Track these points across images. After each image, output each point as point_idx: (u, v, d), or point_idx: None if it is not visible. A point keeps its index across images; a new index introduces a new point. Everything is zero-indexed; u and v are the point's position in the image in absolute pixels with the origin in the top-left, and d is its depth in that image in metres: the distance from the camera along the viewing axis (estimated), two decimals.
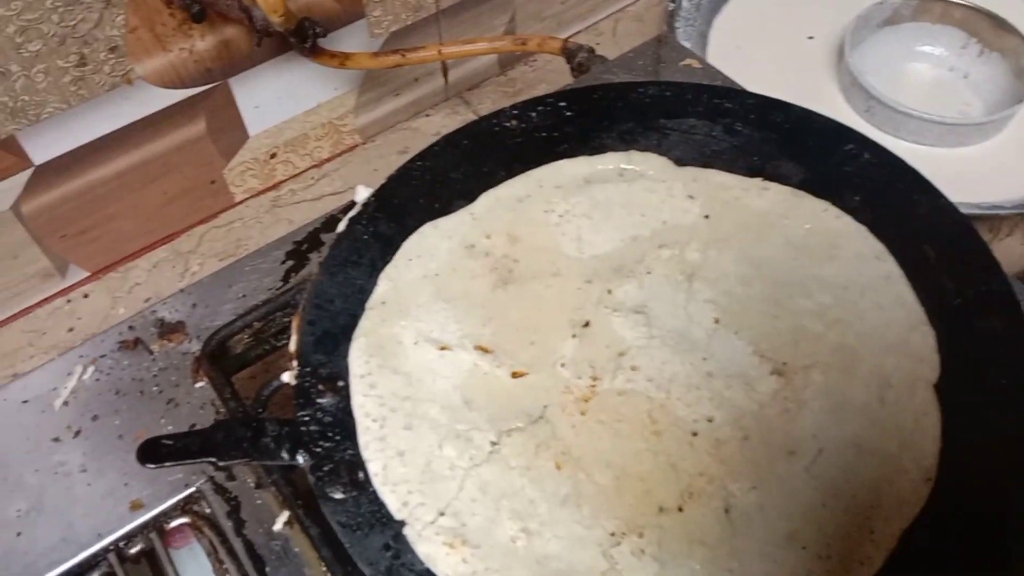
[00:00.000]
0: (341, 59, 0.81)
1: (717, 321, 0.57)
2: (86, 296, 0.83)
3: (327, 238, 0.71)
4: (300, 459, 0.52)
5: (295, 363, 0.56)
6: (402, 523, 0.50)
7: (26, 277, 0.79)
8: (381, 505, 0.51)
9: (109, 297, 0.83)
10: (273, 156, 0.92)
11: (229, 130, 0.86)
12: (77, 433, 0.62)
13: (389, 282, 0.60)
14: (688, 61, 0.78)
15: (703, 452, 0.52)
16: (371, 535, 0.49)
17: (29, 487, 0.59)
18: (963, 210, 0.58)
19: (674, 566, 0.48)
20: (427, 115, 1.04)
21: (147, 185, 0.83)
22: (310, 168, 0.96)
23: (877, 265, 0.58)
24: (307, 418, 0.54)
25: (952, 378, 0.53)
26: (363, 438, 0.53)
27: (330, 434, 0.53)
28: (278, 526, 0.57)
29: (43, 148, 0.72)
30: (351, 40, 0.84)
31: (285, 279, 0.70)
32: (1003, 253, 0.73)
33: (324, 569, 0.55)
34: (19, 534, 0.57)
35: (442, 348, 0.57)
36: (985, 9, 0.91)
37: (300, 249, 0.72)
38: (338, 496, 0.51)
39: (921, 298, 0.56)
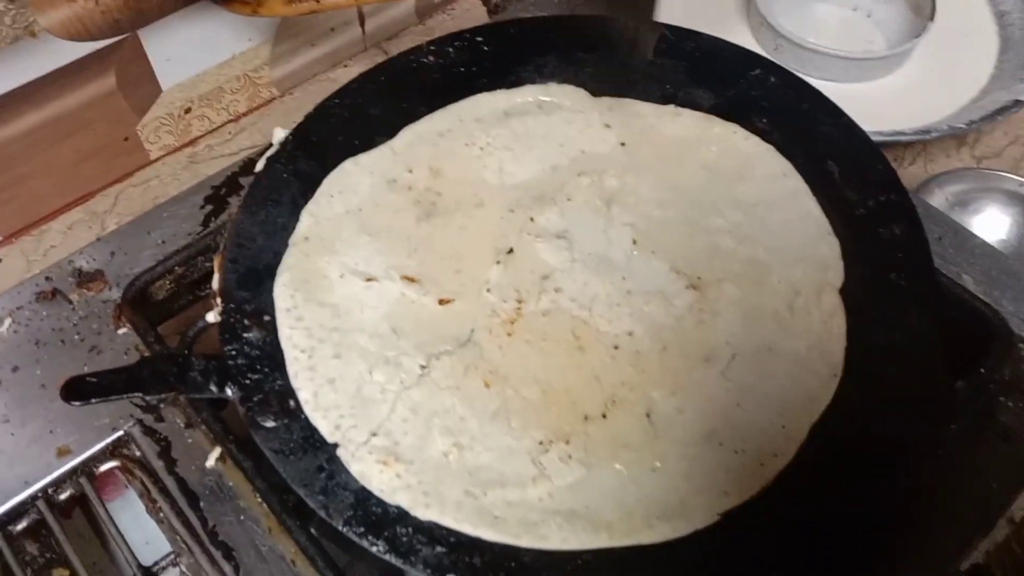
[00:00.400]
0: (254, 6, 0.79)
1: (635, 243, 0.59)
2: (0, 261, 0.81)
3: (246, 181, 0.71)
4: (229, 391, 0.52)
5: (219, 300, 0.56)
6: (335, 445, 0.51)
7: None
8: (313, 431, 0.51)
9: (24, 260, 0.81)
10: (188, 111, 0.90)
11: (141, 84, 0.83)
12: None
13: (311, 218, 0.60)
14: None
15: (624, 364, 0.54)
16: (304, 459, 0.50)
17: None
18: None
19: (600, 468, 0.50)
20: (345, 66, 1.03)
21: (58, 143, 0.80)
22: (227, 123, 0.94)
23: (784, 182, 0.60)
24: (234, 352, 0.54)
25: (856, 283, 0.56)
26: (292, 368, 0.54)
27: (258, 367, 0.54)
28: (210, 462, 0.57)
29: None
30: None
31: (205, 224, 0.70)
32: (907, 180, 0.76)
33: (259, 499, 0.55)
34: None
35: (368, 280, 0.58)
36: None
37: (219, 194, 0.72)
38: (269, 424, 0.51)
39: (826, 211, 0.59)
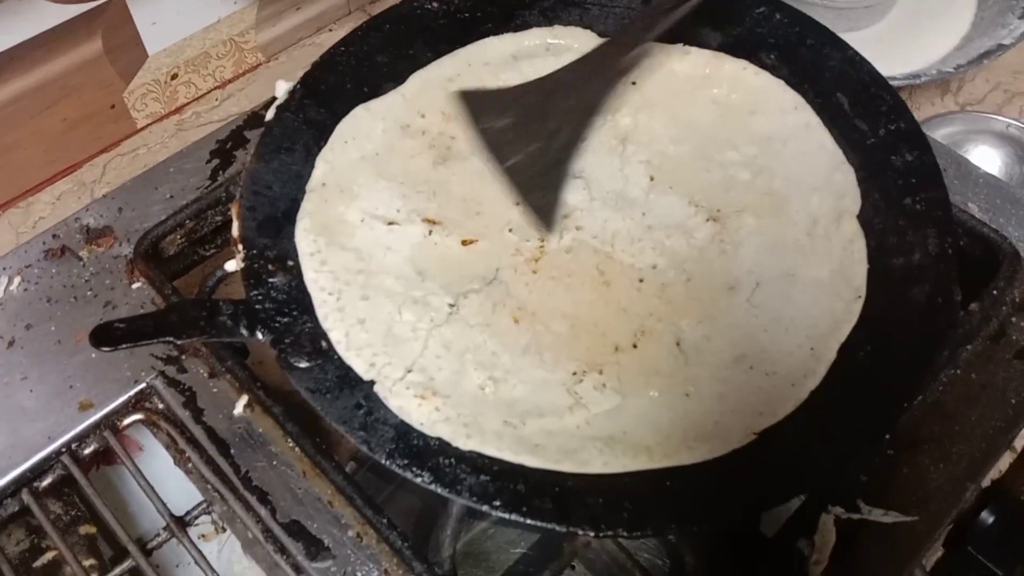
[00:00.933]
0: None
1: (652, 179, 0.60)
2: None
3: (251, 135, 0.70)
4: (259, 335, 0.52)
5: (240, 247, 0.56)
6: (371, 383, 0.51)
7: None
8: (348, 369, 0.51)
9: (13, 233, 0.79)
10: (174, 77, 0.88)
11: (127, 49, 0.82)
12: (11, 343, 0.60)
13: (327, 164, 0.60)
14: None
15: (651, 295, 0.55)
16: (341, 397, 0.50)
17: None
18: None
19: (634, 395, 0.51)
20: (331, 30, 1.02)
21: (45, 111, 0.79)
22: (213, 89, 0.93)
23: (796, 115, 0.61)
24: (260, 296, 0.54)
25: (873, 208, 0.57)
26: (321, 310, 0.53)
27: (286, 310, 0.54)
28: (238, 410, 0.57)
29: None
30: None
31: (212, 178, 0.69)
32: None
33: (291, 444, 0.55)
34: None
35: (390, 223, 0.58)
36: None
37: (225, 148, 0.71)
38: (303, 365, 0.51)
39: (838, 141, 0.60)
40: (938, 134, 0.86)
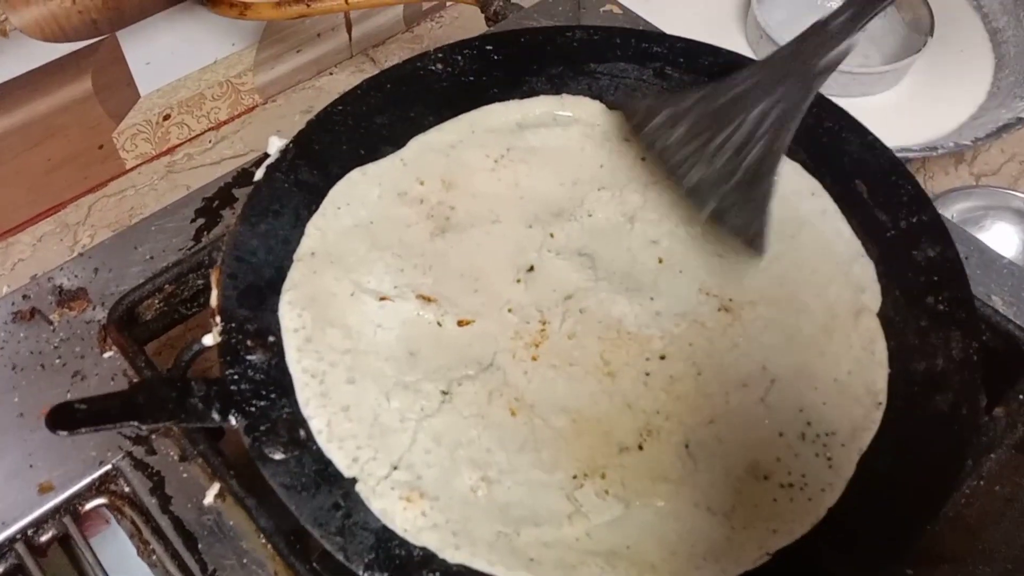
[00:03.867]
0: (241, 9, 0.76)
1: (661, 261, 0.56)
2: None
3: (240, 193, 0.66)
4: (233, 420, 0.48)
5: (218, 319, 0.52)
6: (353, 480, 0.46)
7: None
8: (327, 463, 0.47)
9: None
10: (167, 118, 0.86)
11: (118, 89, 0.79)
12: None
13: (317, 231, 0.56)
14: (609, 7, 0.77)
15: (658, 390, 0.51)
16: (318, 495, 0.46)
17: None
18: None
19: (639, 505, 0.47)
20: (331, 73, 0.99)
21: (29, 150, 0.76)
22: (207, 131, 0.90)
23: (813, 201, 0.58)
24: (236, 376, 0.49)
25: (894, 306, 0.54)
26: (302, 395, 0.49)
27: (263, 392, 0.49)
28: (209, 499, 0.52)
29: None
30: None
31: (196, 239, 0.65)
32: None
33: (263, 541, 0.50)
34: None
35: (381, 299, 0.54)
36: None
37: (211, 206, 0.66)
38: (278, 456, 0.47)
39: (857, 231, 0.57)
40: (955, 209, 0.83)
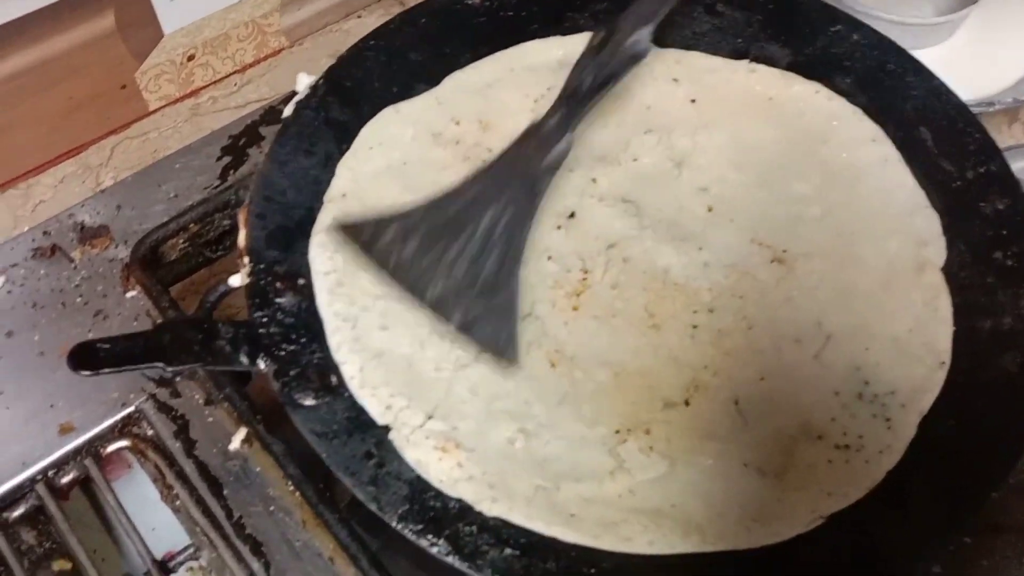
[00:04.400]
0: None
1: (710, 209, 0.53)
2: None
3: (268, 132, 0.64)
4: (262, 364, 0.46)
5: (246, 260, 0.49)
6: (386, 428, 0.44)
7: None
8: (360, 411, 0.45)
9: (11, 216, 0.74)
10: (191, 58, 0.82)
11: (141, 26, 0.76)
12: None
13: (349, 172, 0.53)
14: None
15: (706, 344, 0.48)
16: (350, 443, 0.44)
17: None
18: None
19: (685, 462, 0.44)
20: (359, 16, 0.95)
21: (49, 88, 0.73)
22: (232, 73, 0.87)
23: (873, 148, 0.54)
24: (265, 319, 0.47)
25: (958, 261, 0.50)
26: (334, 339, 0.47)
27: (293, 336, 0.47)
28: (235, 444, 0.51)
29: None
30: None
31: (222, 177, 0.63)
32: None
33: (291, 487, 0.49)
34: None
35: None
36: None
37: (238, 144, 0.65)
38: (309, 403, 0.45)
39: (920, 181, 0.53)
40: (1014, 168, 0.79)
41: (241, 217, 0.51)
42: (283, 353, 0.46)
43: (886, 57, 0.58)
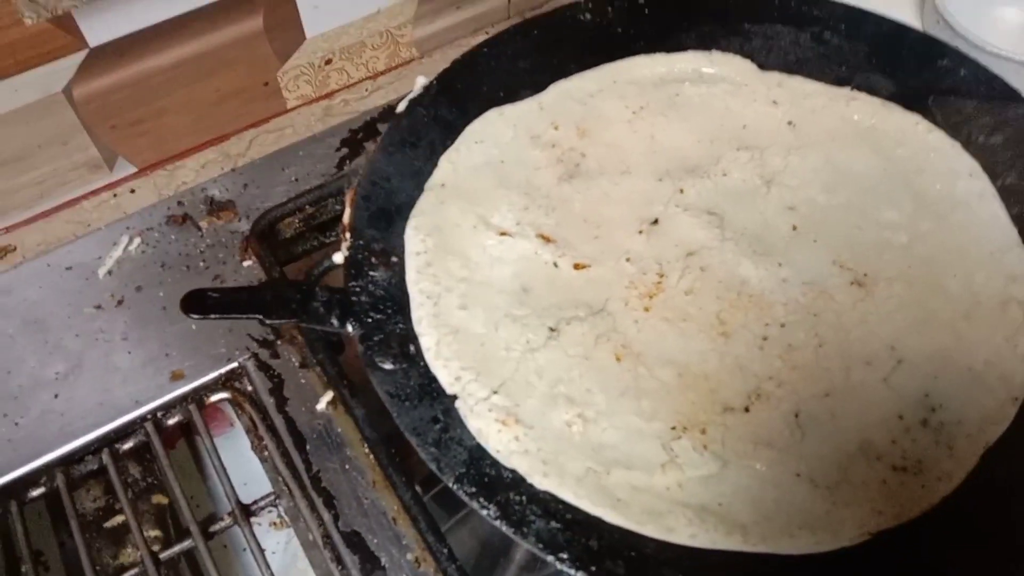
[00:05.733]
0: None
1: (795, 228, 0.54)
2: (132, 192, 0.81)
3: (384, 128, 0.68)
4: (350, 327, 0.50)
5: (347, 236, 0.54)
6: (453, 397, 0.47)
7: (74, 166, 0.75)
8: (432, 379, 0.48)
9: (156, 194, 0.81)
10: (328, 63, 0.89)
11: (286, 29, 0.82)
12: (120, 302, 0.60)
13: (450, 164, 0.57)
14: None
15: (774, 356, 0.49)
16: (420, 407, 0.47)
17: (69, 351, 0.57)
18: None
19: (737, 465, 0.45)
20: (486, 33, 1.00)
21: (201, 80, 0.80)
22: (364, 79, 0.93)
23: (970, 182, 0.54)
24: (358, 288, 0.51)
25: None
26: (416, 313, 0.50)
27: (381, 306, 0.51)
28: (321, 406, 0.55)
29: (100, 29, 0.67)
30: None
31: (339, 167, 0.68)
32: None
33: (367, 450, 0.53)
34: (56, 396, 0.56)
35: (502, 234, 0.54)
36: None
37: (356, 137, 0.70)
38: (388, 367, 0.48)
39: (1016, 220, 0.53)
40: None
41: (348, 197, 0.56)
42: (370, 320, 0.50)
43: (992, 94, 0.57)
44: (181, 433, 0.60)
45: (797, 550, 0.42)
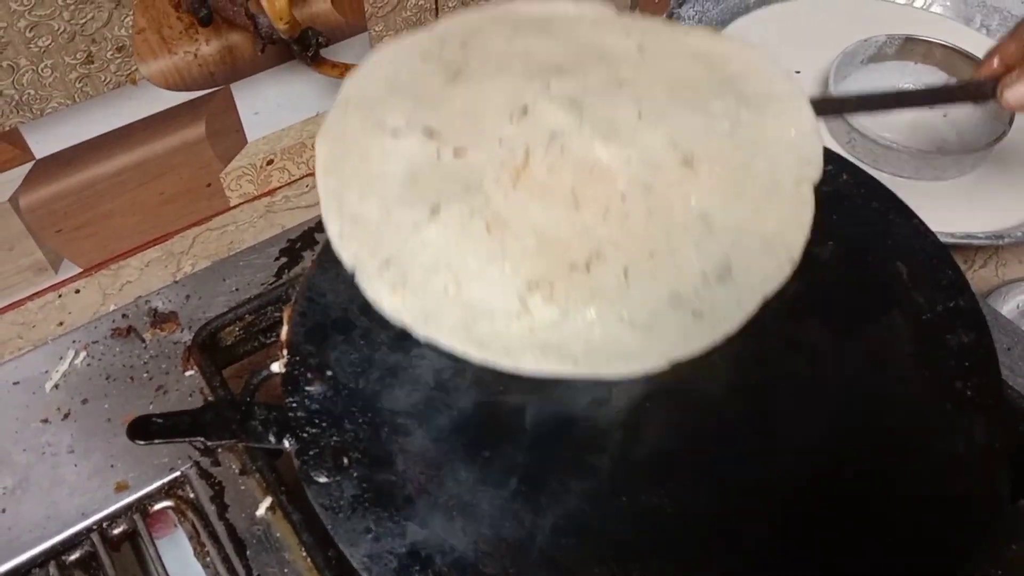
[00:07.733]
0: (342, 69, 1.11)
1: (640, 116, 0.83)
2: (77, 292, 1.10)
3: (321, 237, 0.99)
4: (286, 443, 0.73)
5: (285, 352, 0.81)
6: (353, 271, 0.76)
7: (19, 270, 1.05)
8: (363, 491, 0.71)
9: (100, 294, 1.10)
10: (270, 163, 1.22)
11: (228, 134, 1.15)
12: (66, 415, 0.90)
13: (352, 83, 0.87)
14: None
15: (614, 224, 0.77)
16: (353, 518, 0.69)
17: (16, 465, 0.87)
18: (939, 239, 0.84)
19: (575, 312, 0.74)
20: None
21: (145, 184, 1.10)
22: (305, 176, 1.26)
23: (785, 84, 0.86)
24: (295, 404, 0.75)
25: (921, 387, 0.76)
26: (324, 206, 0.80)
27: (316, 420, 0.74)
28: (261, 511, 0.83)
29: (45, 142, 0.96)
30: (352, 52, 1.16)
31: (278, 275, 1.02)
32: (977, 283, 1.12)
33: (304, 553, 0.80)
34: (3, 510, 0.83)
35: (393, 131, 0.83)
36: (965, 51, 1.31)
37: (294, 247, 1.04)
38: (322, 480, 0.71)
39: (892, 312, 0.81)
40: (1019, 299, 1.06)
41: (286, 314, 0.83)
42: (306, 435, 0.73)
43: (871, 196, 0.89)
44: (126, 538, 0.85)
45: (612, 373, 0.74)
